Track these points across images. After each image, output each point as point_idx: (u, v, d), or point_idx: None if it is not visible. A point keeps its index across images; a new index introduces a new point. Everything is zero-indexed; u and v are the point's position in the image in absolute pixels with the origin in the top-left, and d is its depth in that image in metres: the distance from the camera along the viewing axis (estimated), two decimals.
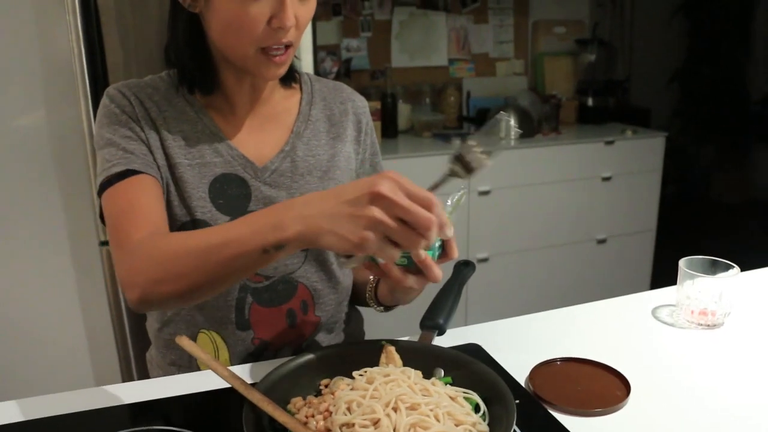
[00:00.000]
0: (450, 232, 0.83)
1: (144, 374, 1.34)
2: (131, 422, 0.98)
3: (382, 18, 3.42)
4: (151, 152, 1.10)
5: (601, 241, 3.36)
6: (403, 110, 3.38)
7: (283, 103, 1.22)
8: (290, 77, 1.22)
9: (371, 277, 1.19)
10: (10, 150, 1.95)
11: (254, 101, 1.17)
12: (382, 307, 1.19)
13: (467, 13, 3.57)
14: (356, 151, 1.27)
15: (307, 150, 1.20)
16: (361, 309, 1.40)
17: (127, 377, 2.13)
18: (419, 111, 3.47)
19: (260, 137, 1.18)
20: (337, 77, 3.30)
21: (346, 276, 1.28)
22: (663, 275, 1.56)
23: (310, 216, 0.79)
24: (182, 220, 1.11)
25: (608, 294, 1.42)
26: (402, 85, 3.48)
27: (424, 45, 3.52)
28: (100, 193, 1.08)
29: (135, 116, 1.10)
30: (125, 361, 2.16)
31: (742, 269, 1.27)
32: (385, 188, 0.75)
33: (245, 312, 1.17)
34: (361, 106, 1.29)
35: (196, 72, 1.12)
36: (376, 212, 0.75)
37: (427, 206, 0.76)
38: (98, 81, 1.95)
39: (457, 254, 0.95)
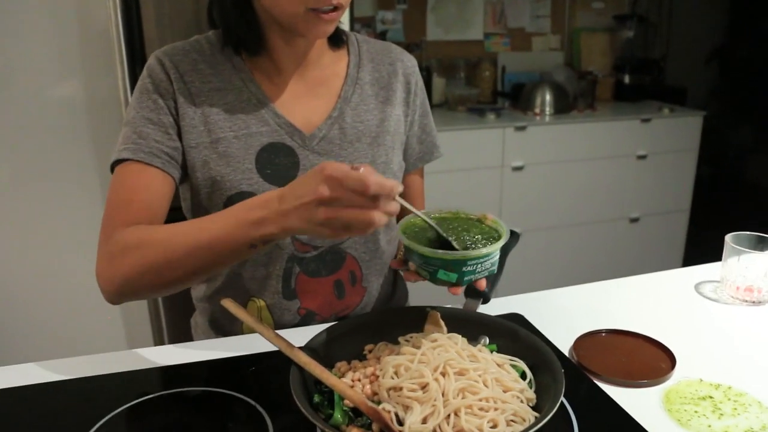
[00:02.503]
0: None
1: (185, 340, 1.33)
2: (173, 383, 0.98)
3: None
4: (182, 133, 1.08)
5: (634, 220, 3.32)
6: (438, 84, 3.35)
7: (332, 67, 1.19)
8: (338, 38, 1.19)
9: None
10: (47, 119, 1.95)
11: (301, 64, 1.14)
12: None
13: None
14: (405, 113, 1.24)
15: (355, 116, 1.17)
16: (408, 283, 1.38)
17: (158, 342, 2.14)
18: (454, 85, 3.44)
19: (308, 103, 1.15)
20: None
21: (391, 246, 1.27)
22: (696, 256, 1.54)
23: (285, 214, 0.81)
24: (228, 194, 1.09)
25: (640, 273, 1.40)
26: (437, 59, 3.44)
27: (459, 18, 3.47)
28: (112, 171, 1.08)
29: (171, 93, 1.08)
30: (157, 327, 2.18)
31: None
32: (327, 190, 0.76)
33: (291, 282, 1.16)
34: (410, 65, 1.26)
35: (243, 32, 1.10)
36: (326, 212, 0.77)
37: (362, 188, 0.75)
38: (135, 50, 1.94)
39: (483, 286, 0.96)
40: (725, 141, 4.76)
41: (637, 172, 3.25)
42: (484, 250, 0.88)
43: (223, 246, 0.88)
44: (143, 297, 1.02)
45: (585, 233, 3.25)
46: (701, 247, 1.43)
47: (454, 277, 0.89)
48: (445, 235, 0.91)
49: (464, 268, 0.88)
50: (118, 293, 0.98)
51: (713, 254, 1.40)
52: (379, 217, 0.77)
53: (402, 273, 0.97)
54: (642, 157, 3.22)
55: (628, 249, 3.35)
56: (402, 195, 1.27)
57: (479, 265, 0.89)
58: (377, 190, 0.75)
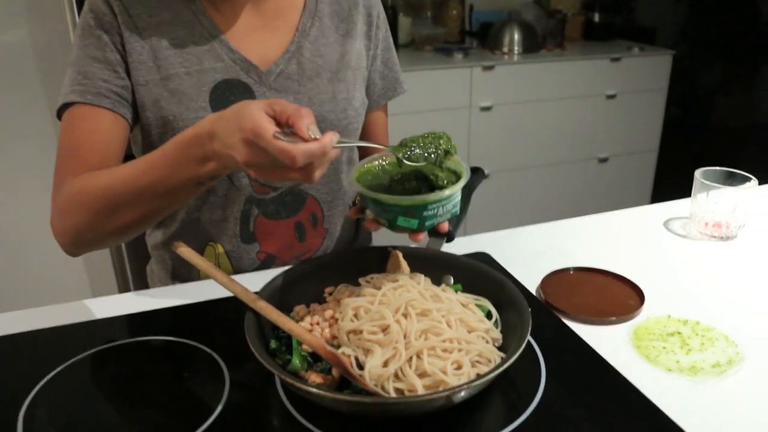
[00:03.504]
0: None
1: (143, 288, 1.30)
2: (130, 333, 0.95)
3: None
4: (130, 70, 1.02)
5: (603, 160, 3.31)
6: (404, 23, 3.25)
7: None
8: None
9: None
10: None
11: None
12: None
13: None
14: (367, 47, 1.18)
15: (314, 50, 1.10)
16: None
17: (124, 290, 2.11)
18: (420, 24, 3.35)
19: (263, 37, 1.08)
20: None
21: (352, 185, 1.22)
22: (663, 196, 1.53)
23: (219, 155, 0.78)
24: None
25: (604, 210, 1.38)
26: None
27: None
28: (59, 117, 1.02)
29: (115, 27, 1.01)
30: (121, 274, 2.14)
31: None
32: (249, 155, 0.74)
33: (250, 225, 1.13)
34: None
35: None
36: (256, 173, 0.76)
37: (288, 162, 0.72)
38: None
39: (446, 228, 0.93)
40: (694, 81, 4.75)
41: (607, 111, 3.22)
42: (446, 192, 0.83)
43: (168, 187, 0.85)
44: (101, 246, 0.99)
45: (554, 174, 3.23)
46: (670, 189, 1.41)
47: (414, 222, 0.85)
48: (403, 157, 0.85)
49: (425, 213, 0.84)
50: (73, 245, 0.96)
51: (681, 195, 1.39)
52: (317, 173, 0.75)
53: (363, 222, 0.93)
54: (611, 97, 3.19)
55: (598, 189, 3.35)
56: (365, 133, 1.24)
57: (441, 208, 0.85)
58: (305, 160, 0.72)
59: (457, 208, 0.88)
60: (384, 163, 0.93)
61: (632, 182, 3.44)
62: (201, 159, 0.80)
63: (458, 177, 0.88)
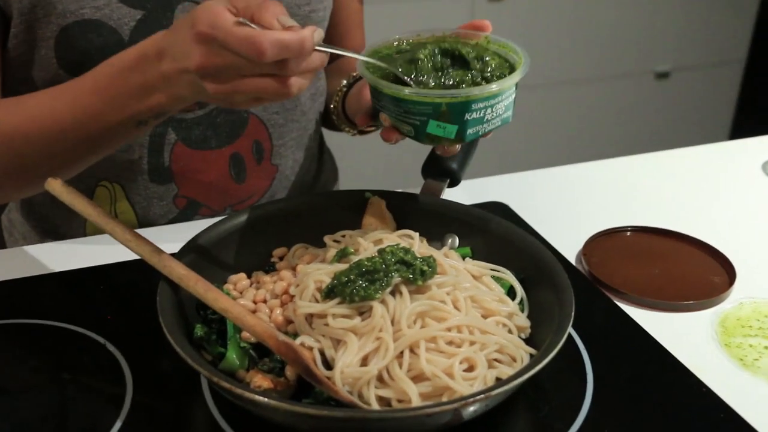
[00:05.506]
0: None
1: None
2: None
3: None
4: None
5: (662, 75, 3.33)
6: None
7: None
8: None
9: (343, 81, 1.15)
10: None
11: None
12: (355, 129, 1.16)
13: None
14: None
15: None
16: (338, 159, 1.36)
17: None
18: None
19: None
20: None
21: (316, 101, 1.24)
22: (752, 125, 1.52)
23: (169, 78, 0.82)
24: (62, 23, 1.00)
25: (671, 148, 1.39)
26: None
27: None
28: None
29: None
30: None
31: None
32: (204, 57, 0.77)
33: (164, 156, 1.12)
34: None
35: None
36: (216, 87, 0.79)
37: (254, 55, 0.75)
38: None
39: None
40: None
41: (671, 8, 3.22)
42: (495, 86, 0.84)
43: (98, 129, 0.89)
44: (14, 198, 1.07)
45: (594, 92, 3.25)
46: (760, 114, 1.41)
47: (452, 130, 0.85)
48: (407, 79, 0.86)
49: (467, 116, 0.84)
50: None
51: None
52: (296, 83, 0.77)
53: (379, 131, 0.94)
54: None
55: (655, 115, 3.38)
56: (333, 25, 1.24)
57: (489, 110, 0.85)
58: (278, 54, 0.74)
59: (510, 114, 0.89)
60: (403, 44, 0.94)
61: (706, 106, 3.47)
62: (144, 89, 0.83)
63: (511, 66, 0.88)
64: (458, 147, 0.90)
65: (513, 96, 0.88)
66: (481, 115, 0.84)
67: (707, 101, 3.47)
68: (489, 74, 0.86)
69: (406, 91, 0.83)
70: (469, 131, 0.85)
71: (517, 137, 3.11)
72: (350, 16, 1.29)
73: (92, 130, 0.89)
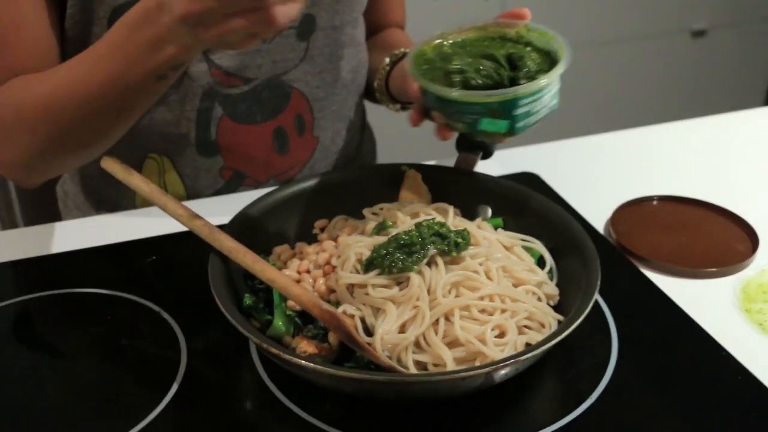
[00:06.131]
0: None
1: (48, 218, 1.30)
2: (37, 284, 0.97)
3: None
4: None
5: (698, 34, 3.28)
6: None
7: None
8: None
9: (386, 59, 1.17)
10: None
11: None
12: (398, 105, 1.18)
13: None
14: None
15: None
16: (377, 131, 1.38)
17: (10, 224, 2.09)
18: None
19: None
20: None
21: (358, 74, 1.25)
22: None
23: (172, 29, 0.80)
24: (112, 4, 1.03)
25: (707, 112, 1.39)
26: None
27: None
28: None
29: None
30: (4, 201, 2.13)
31: None
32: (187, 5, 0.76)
33: (211, 130, 1.14)
34: None
35: None
36: (204, 32, 0.77)
37: None
38: None
39: None
40: None
41: None
42: (542, 81, 0.87)
43: (122, 88, 0.88)
44: (67, 170, 1.09)
45: (626, 53, 3.20)
46: None
47: (503, 125, 0.89)
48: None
49: (516, 111, 0.88)
50: (28, 176, 1.03)
51: None
52: (280, 12, 0.74)
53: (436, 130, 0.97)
54: None
55: (689, 76, 3.33)
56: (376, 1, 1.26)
57: (536, 102, 0.89)
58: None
59: (556, 102, 0.93)
60: (446, 45, 0.97)
61: (743, 69, 3.42)
62: (153, 43, 0.82)
63: (552, 58, 0.93)
64: (509, 138, 0.93)
65: (558, 86, 0.92)
66: (529, 108, 0.89)
67: (745, 61, 3.42)
68: (534, 72, 0.90)
69: (454, 93, 0.87)
70: (519, 124, 0.89)
71: None
72: None
73: (116, 91, 0.89)
